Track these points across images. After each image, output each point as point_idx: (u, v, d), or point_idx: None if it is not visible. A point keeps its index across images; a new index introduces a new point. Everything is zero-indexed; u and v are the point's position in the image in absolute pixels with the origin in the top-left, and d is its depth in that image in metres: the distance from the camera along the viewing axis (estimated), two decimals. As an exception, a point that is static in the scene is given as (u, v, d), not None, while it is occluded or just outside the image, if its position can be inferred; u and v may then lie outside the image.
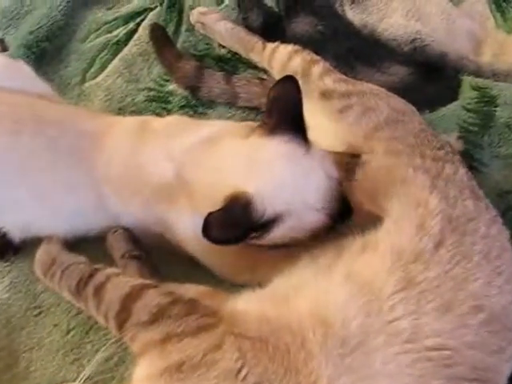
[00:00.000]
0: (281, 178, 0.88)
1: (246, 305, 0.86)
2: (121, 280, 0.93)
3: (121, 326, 0.88)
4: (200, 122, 1.10)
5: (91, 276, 0.96)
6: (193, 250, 0.99)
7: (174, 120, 1.10)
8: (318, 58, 1.20)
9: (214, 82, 1.29)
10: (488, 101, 1.30)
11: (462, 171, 0.97)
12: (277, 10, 1.47)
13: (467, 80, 1.34)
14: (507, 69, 1.37)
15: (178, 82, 1.33)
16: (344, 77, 1.16)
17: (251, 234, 0.88)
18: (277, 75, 1.24)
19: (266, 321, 0.81)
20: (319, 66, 1.16)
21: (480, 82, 1.34)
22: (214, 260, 1.00)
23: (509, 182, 1.15)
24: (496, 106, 1.29)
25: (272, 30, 1.43)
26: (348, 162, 0.96)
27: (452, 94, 1.33)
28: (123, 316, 0.88)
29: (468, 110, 1.29)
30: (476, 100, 1.31)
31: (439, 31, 1.43)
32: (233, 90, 1.29)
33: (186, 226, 0.96)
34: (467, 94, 1.32)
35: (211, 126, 1.02)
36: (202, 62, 1.37)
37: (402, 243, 0.84)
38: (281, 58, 1.24)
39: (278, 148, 0.90)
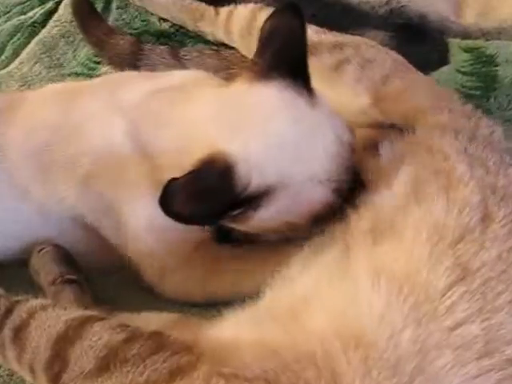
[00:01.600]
0: (275, 136, 0.64)
1: (236, 330, 0.60)
2: (50, 314, 0.65)
3: (54, 380, 0.60)
4: (154, 73, 0.83)
5: (8, 313, 0.68)
6: (137, 251, 0.72)
7: (114, 75, 0.84)
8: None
9: (158, 58, 1.04)
10: (485, 61, 1.10)
11: (499, 130, 0.76)
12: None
13: (455, 42, 1.15)
14: (498, 26, 1.19)
15: (112, 62, 1.07)
16: (326, 30, 0.93)
17: (231, 212, 0.63)
18: (239, 42, 1.03)
19: (271, 351, 0.54)
20: None
21: (470, 42, 1.16)
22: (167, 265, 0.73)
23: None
24: (496, 66, 1.09)
25: (220, 2, 1.19)
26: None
27: (441, 58, 1.13)
28: (57, 366, 0.60)
29: (464, 73, 1.09)
30: (471, 62, 1.11)
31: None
32: (182, 66, 1.04)
33: (138, 212, 0.70)
34: (459, 57, 1.12)
35: (172, 75, 0.77)
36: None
37: (438, 219, 0.60)
38: (243, 20, 1.01)
39: (272, 96, 0.66)
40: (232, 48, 1.06)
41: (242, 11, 1.02)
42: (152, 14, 1.18)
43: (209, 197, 0.61)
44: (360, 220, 0.64)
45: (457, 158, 0.67)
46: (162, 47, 1.06)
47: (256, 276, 0.70)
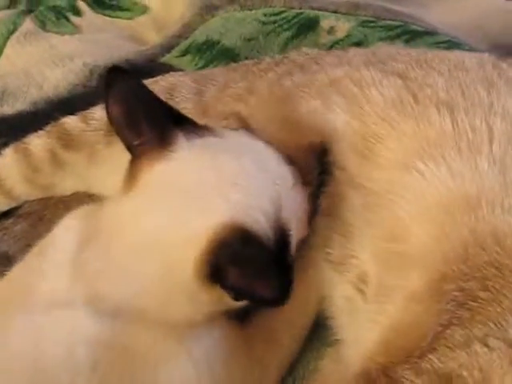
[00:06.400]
0: (238, 176, 0.58)
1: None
2: None
3: None
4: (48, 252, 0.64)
5: None
6: None
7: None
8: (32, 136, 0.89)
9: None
10: (208, 46, 1.18)
11: None
12: None
13: (171, 57, 1.19)
14: (182, 26, 1.25)
15: None
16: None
17: (289, 255, 0.57)
18: (26, 188, 0.89)
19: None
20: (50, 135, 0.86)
21: (183, 45, 1.20)
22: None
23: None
24: (219, 42, 1.17)
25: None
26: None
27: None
28: None
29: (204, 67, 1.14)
30: (197, 58, 1.17)
31: (96, 50, 1.22)
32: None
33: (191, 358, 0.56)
34: (189, 64, 1.16)
35: (57, 242, 0.61)
36: None
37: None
38: (14, 170, 0.88)
39: (193, 153, 0.59)
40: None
41: (8, 170, 0.88)
42: None
43: (257, 261, 0.54)
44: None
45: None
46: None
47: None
